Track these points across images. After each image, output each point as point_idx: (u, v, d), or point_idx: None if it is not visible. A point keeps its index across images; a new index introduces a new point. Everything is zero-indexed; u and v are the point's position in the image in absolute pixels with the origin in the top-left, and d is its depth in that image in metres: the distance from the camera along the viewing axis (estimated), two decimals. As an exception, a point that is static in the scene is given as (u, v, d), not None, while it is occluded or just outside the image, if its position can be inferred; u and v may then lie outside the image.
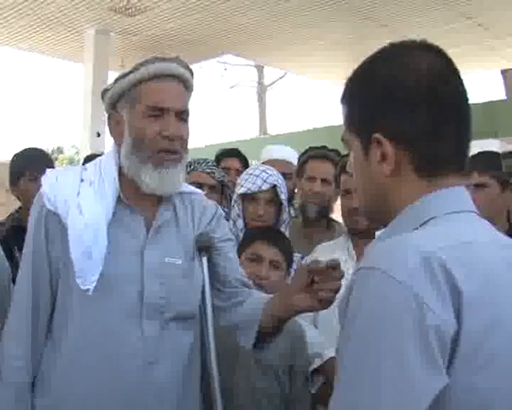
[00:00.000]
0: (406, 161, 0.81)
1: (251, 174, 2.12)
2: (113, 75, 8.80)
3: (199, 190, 1.59)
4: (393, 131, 0.81)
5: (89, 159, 2.35)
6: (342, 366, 0.74)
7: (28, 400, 1.33)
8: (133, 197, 1.39)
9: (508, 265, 0.76)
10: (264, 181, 2.08)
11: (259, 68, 18.03)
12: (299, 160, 2.61)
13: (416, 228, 0.79)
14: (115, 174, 1.38)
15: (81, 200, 1.32)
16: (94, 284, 1.27)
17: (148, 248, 1.36)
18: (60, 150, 21.52)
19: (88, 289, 1.27)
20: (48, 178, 1.38)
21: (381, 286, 0.71)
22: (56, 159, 17.10)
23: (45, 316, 1.36)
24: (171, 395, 1.36)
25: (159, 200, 1.41)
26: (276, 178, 2.11)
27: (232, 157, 2.96)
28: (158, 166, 1.34)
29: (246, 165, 2.95)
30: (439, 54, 0.84)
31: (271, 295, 1.40)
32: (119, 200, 1.37)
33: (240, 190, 2.10)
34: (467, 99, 0.84)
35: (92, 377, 1.30)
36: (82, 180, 1.36)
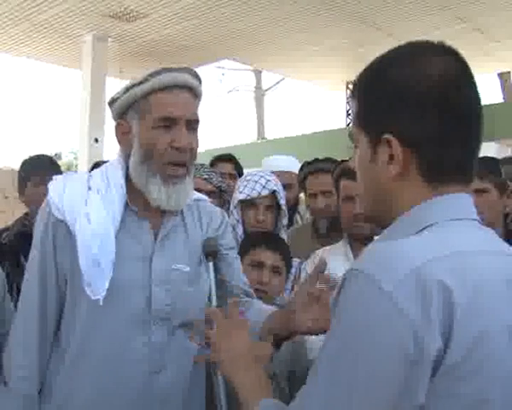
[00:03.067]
0: (413, 165, 0.80)
1: (249, 180, 2.11)
2: (111, 81, 8.84)
3: (204, 197, 1.58)
4: (402, 133, 0.80)
5: (97, 165, 2.34)
6: (320, 359, 0.75)
7: (36, 409, 1.32)
8: (140, 204, 1.38)
9: (502, 274, 0.75)
10: (263, 187, 2.07)
11: (257, 73, 18.07)
12: (298, 175, 2.65)
13: (415, 233, 0.77)
14: (122, 182, 1.37)
15: (89, 208, 1.30)
16: (104, 294, 1.26)
17: (156, 255, 1.36)
18: (58, 156, 21.53)
19: (98, 299, 1.26)
20: (55, 186, 1.36)
21: (365, 291, 0.70)
22: (54, 165, 17.06)
23: (52, 324, 1.35)
24: (177, 401, 1.36)
25: None
26: (274, 183, 2.11)
27: (225, 161, 2.97)
28: (166, 181, 1.33)
29: (238, 168, 2.96)
30: (455, 58, 0.82)
31: (272, 308, 1.39)
32: (126, 207, 1.36)
33: (239, 196, 2.09)
34: (479, 108, 0.82)
35: (97, 384, 1.30)
36: (89, 188, 1.35)
